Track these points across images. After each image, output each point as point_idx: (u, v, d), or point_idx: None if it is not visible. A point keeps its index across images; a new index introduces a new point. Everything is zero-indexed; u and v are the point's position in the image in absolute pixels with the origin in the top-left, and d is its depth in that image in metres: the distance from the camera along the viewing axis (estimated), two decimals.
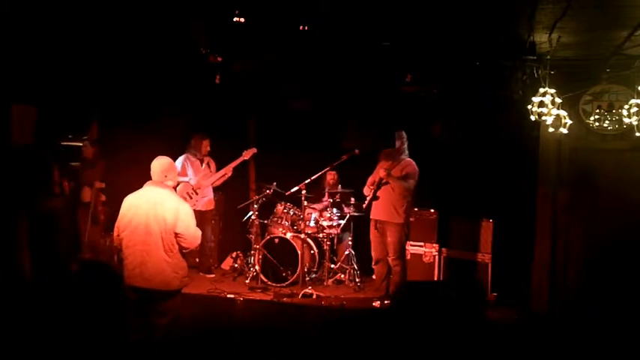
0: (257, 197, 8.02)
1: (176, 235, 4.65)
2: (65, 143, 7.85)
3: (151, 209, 4.64)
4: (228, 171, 8.00)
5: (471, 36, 5.82)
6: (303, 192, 7.46)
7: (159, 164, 4.83)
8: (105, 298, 5.55)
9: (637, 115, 5.81)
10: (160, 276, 4.63)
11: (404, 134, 6.98)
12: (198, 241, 4.83)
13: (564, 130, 5.85)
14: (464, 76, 6.74)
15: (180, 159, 7.92)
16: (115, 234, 4.81)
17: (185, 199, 7.70)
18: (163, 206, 4.65)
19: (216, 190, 8.21)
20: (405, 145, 6.96)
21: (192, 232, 4.72)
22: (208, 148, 8.01)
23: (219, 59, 6.56)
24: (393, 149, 6.91)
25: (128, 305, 4.70)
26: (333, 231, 7.97)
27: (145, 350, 4.60)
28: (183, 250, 4.74)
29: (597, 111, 6.67)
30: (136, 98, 7.70)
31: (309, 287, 7.22)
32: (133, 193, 4.86)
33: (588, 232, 6.80)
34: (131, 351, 4.63)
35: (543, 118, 5.77)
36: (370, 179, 7.09)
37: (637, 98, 5.82)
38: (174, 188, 4.98)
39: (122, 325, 4.70)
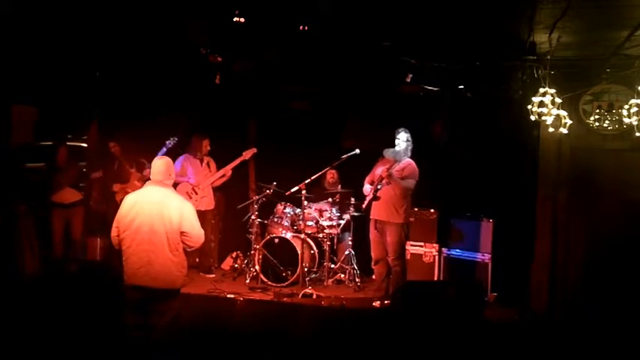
0: (257, 197, 8.01)
1: (182, 233, 4.65)
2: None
3: (156, 209, 4.64)
4: (226, 171, 8.01)
5: (472, 36, 5.83)
6: (303, 192, 7.46)
7: (163, 163, 4.83)
8: (102, 298, 5.59)
9: (637, 115, 5.81)
10: (166, 275, 4.65)
11: (407, 135, 6.96)
12: (202, 240, 4.83)
13: (564, 130, 5.85)
14: (464, 76, 6.75)
15: (180, 159, 7.92)
16: (114, 234, 4.76)
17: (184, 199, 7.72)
18: (169, 206, 4.65)
19: (216, 190, 8.20)
20: (409, 146, 6.94)
21: (197, 231, 4.74)
22: (208, 148, 8.01)
23: (219, 59, 6.57)
24: (395, 150, 6.89)
25: (127, 304, 4.72)
26: (333, 231, 7.96)
27: (143, 349, 4.61)
28: (188, 249, 4.76)
29: (597, 111, 6.67)
30: (136, 98, 7.70)
31: (309, 287, 7.22)
32: (134, 193, 4.85)
33: (588, 231, 6.80)
34: (130, 350, 4.65)
35: (543, 118, 5.77)
36: (368, 179, 7.09)
37: (637, 98, 5.83)
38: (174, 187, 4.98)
39: (120, 324, 4.71)
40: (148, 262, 4.62)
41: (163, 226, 4.61)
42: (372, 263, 7.13)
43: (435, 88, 7.13)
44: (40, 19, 5.65)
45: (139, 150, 7.77)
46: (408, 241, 7.17)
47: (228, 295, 7.04)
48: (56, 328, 5.47)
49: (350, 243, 7.92)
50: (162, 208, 4.63)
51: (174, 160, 7.77)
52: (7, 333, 5.32)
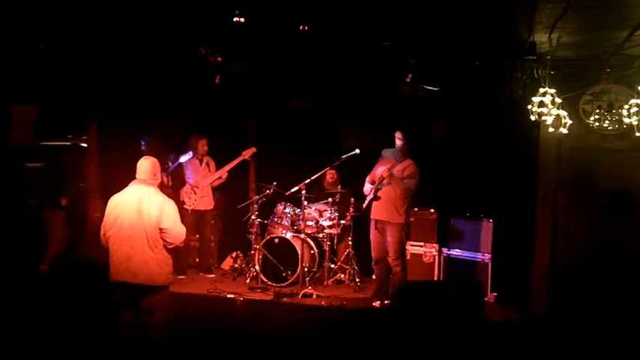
0: (257, 197, 8.02)
1: (161, 230, 4.70)
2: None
3: (136, 206, 4.70)
4: (222, 173, 8.01)
5: (471, 36, 5.82)
6: (303, 192, 7.47)
7: (149, 163, 4.89)
8: (92, 296, 5.60)
9: (637, 115, 5.81)
10: (146, 271, 4.69)
11: (404, 135, 6.97)
12: (183, 237, 4.88)
13: (564, 130, 5.85)
14: (464, 76, 6.74)
15: None
16: (102, 233, 4.85)
17: (184, 198, 7.72)
18: (149, 202, 4.71)
19: (215, 189, 8.20)
20: (407, 146, 6.95)
21: (177, 228, 4.79)
22: (206, 148, 8.01)
23: (219, 59, 6.57)
24: (396, 150, 6.90)
25: (115, 302, 4.73)
26: (333, 231, 7.97)
27: (139, 348, 4.61)
28: (168, 247, 4.78)
29: (597, 111, 6.67)
30: (136, 98, 7.70)
31: (309, 287, 7.22)
32: (119, 193, 4.91)
33: (588, 231, 6.79)
34: (125, 349, 4.65)
35: (543, 118, 5.77)
36: (369, 178, 7.08)
37: (637, 98, 5.82)
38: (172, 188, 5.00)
39: (113, 323, 4.73)
40: (128, 258, 4.68)
41: (142, 222, 4.67)
42: (372, 263, 7.12)
43: (435, 88, 7.12)
44: (40, 19, 5.65)
45: (138, 150, 7.76)
46: (408, 241, 7.17)
47: (228, 295, 7.04)
48: (51, 327, 5.47)
49: (350, 243, 7.92)
50: (141, 204, 4.70)
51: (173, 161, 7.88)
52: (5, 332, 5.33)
